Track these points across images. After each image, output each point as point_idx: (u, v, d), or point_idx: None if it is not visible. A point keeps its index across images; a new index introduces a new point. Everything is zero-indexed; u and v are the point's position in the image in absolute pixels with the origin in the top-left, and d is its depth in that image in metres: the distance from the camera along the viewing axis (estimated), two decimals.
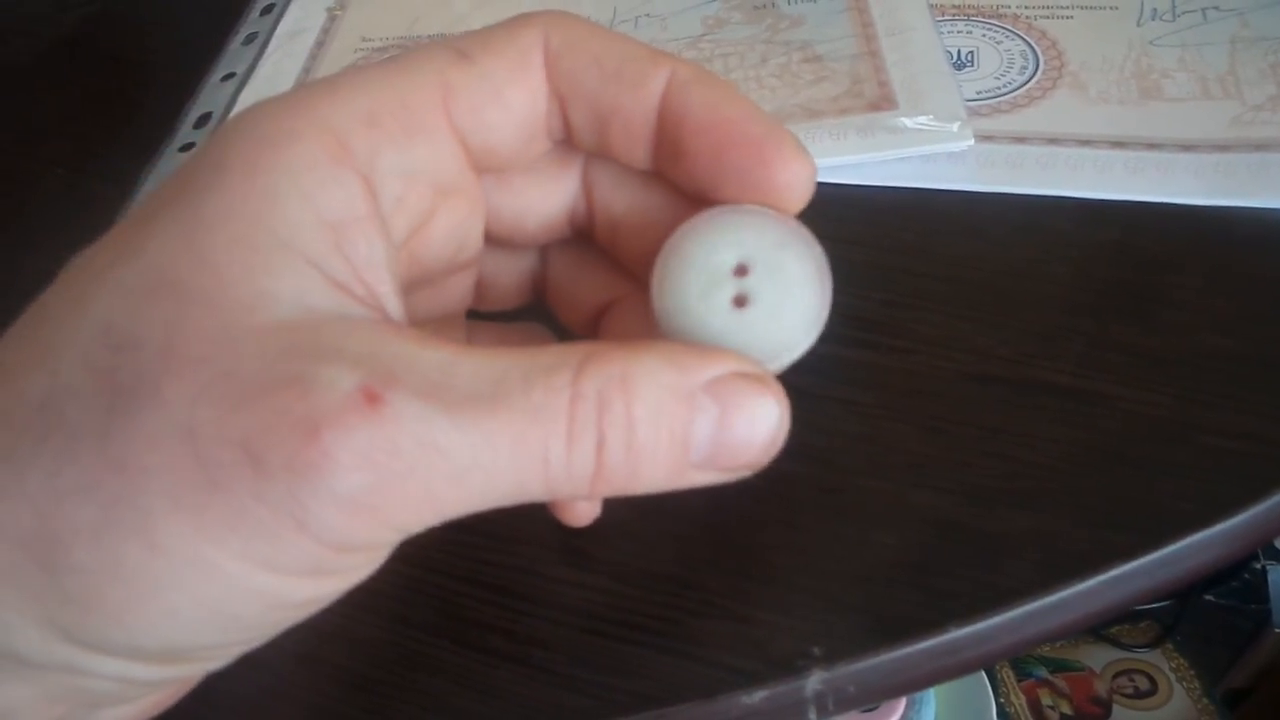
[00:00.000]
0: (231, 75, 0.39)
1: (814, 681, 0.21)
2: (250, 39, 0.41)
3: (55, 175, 0.36)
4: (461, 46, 0.18)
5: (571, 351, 0.17)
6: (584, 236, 0.22)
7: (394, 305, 0.17)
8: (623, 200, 0.21)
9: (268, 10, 0.42)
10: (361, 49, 0.40)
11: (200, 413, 0.15)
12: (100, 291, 0.16)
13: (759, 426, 0.17)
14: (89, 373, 0.15)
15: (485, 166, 0.19)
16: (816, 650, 0.21)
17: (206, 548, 0.15)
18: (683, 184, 0.19)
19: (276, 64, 0.39)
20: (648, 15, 0.39)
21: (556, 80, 0.19)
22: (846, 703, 0.21)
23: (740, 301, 0.18)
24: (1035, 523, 0.23)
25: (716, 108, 0.19)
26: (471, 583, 0.24)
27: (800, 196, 0.19)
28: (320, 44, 0.40)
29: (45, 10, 0.46)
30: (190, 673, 0.19)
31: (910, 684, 0.21)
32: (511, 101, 0.18)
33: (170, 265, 0.16)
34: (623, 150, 0.19)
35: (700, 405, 0.17)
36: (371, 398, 0.15)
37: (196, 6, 0.45)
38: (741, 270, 0.18)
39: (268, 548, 0.15)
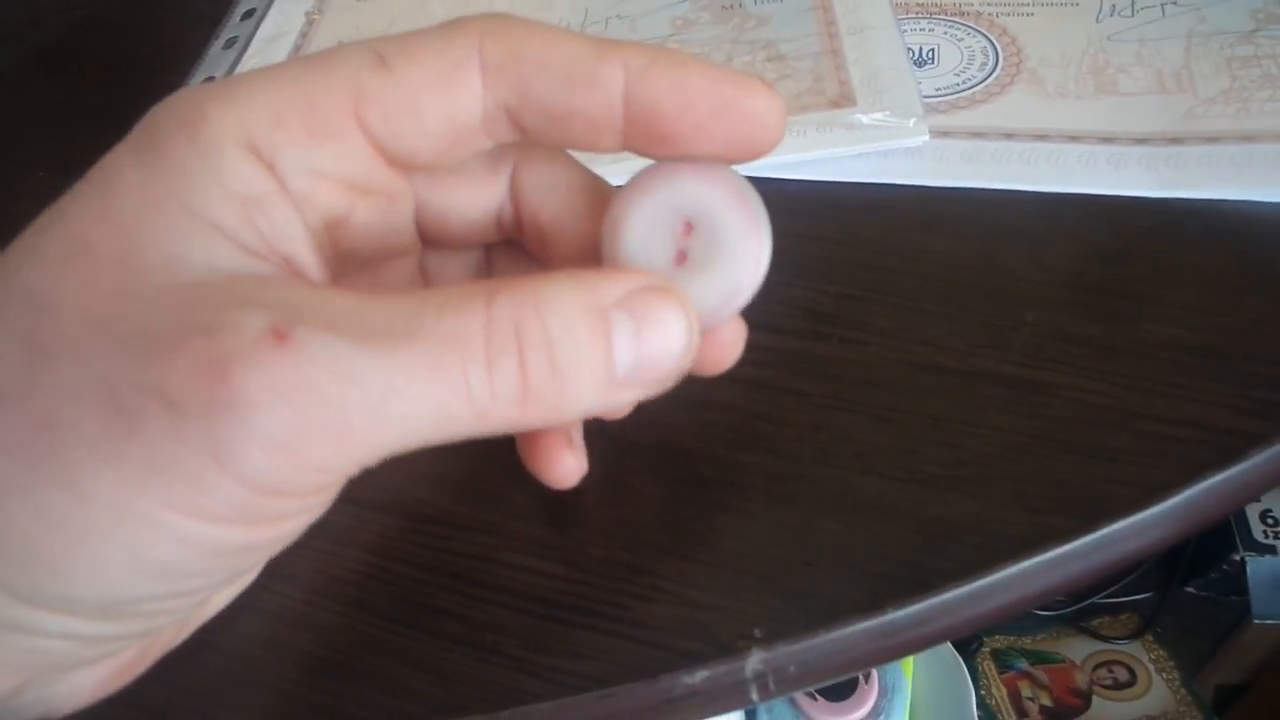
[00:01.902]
0: (211, 79, 0.40)
1: (754, 662, 0.21)
2: (230, 43, 0.42)
3: (35, 178, 0.37)
4: (384, 50, 0.18)
5: (482, 284, 0.17)
6: (514, 239, 0.22)
7: (316, 272, 0.18)
8: (550, 207, 0.21)
9: (248, 15, 0.43)
10: None
11: (116, 366, 0.16)
12: (24, 261, 0.17)
13: (673, 335, 0.18)
14: (13, 337, 0.16)
15: (410, 167, 0.20)
16: (758, 632, 0.22)
17: (131, 494, 0.16)
18: (662, 155, 0.19)
19: (255, 67, 0.40)
20: (618, 16, 0.39)
21: (503, 93, 0.18)
22: (787, 682, 0.21)
23: (682, 259, 0.19)
24: (977, 508, 0.23)
25: (684, 88, 0.18)
26: (430, 570, 0.24)
27: (775, 134, 0.19)
28: (299, 47, 0.41)
29: (30, 15, 0.46)
30: (138, 629, 0.19)
31: (850, 664, 0.22)
32: (426, 112, 0.18)
33: (86, 231, 0.17)
34: (588, 144, 0.19)
35: (616, 320, 0.17)
36: (280, 335, 0.15)
37: (179, 12, 0.45)
38: (686, 228, 0.19)
39: (191, 492, 0.16)
